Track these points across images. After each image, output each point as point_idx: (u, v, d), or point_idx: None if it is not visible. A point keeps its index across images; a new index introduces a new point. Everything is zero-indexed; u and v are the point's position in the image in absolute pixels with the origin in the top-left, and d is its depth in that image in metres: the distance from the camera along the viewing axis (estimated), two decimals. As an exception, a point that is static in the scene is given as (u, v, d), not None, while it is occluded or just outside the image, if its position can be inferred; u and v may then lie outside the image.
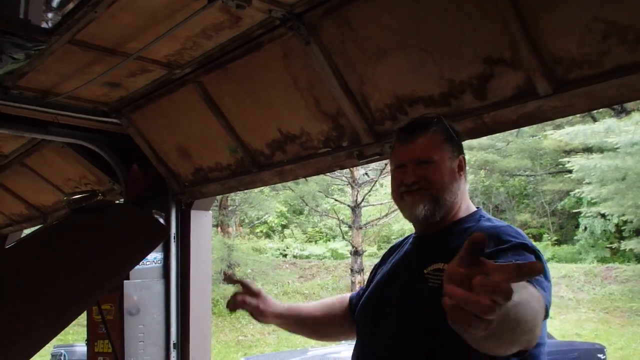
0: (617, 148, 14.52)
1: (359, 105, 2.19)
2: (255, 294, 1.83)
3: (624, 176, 14.88)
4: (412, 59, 1.94)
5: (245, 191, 13.56)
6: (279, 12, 2.05)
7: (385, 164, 16.54)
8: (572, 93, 1.62)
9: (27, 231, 5.32)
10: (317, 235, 24.99)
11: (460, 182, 1.59)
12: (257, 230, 24.72)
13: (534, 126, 16.61)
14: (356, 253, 18.28)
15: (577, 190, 17.27)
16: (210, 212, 3.51)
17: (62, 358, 11.64)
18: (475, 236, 0.81)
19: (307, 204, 21.27)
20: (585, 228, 19.52)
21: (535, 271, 0.78)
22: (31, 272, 1.93)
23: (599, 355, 9.70)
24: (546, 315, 1.23)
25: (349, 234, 19.02)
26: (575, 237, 20.59)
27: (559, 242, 21.32)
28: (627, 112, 15.14)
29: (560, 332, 13.51)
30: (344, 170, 16.77)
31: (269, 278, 19.83)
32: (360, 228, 18.67)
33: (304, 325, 1.95)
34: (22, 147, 3.79)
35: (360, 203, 18.34)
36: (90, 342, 3.27)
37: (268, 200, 22.40)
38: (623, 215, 16.04)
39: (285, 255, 22.96)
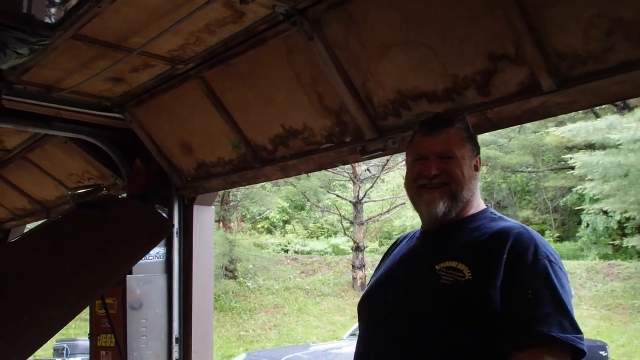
0: (619, 145, 14.46)
1: (362, 101, 2.19)
2: None
3: (626, 173, 14.83)
4: (416, 54, 1.94)
5: (247, 186, 13.56)
6: (283, 7, 2.05)
7: (387, 160, 16.54)
8: (577, 89, 1.62)
9: (29, 226, 5.34)
10: (319, 231, 24.97)
11: (477, 181, 1.60)
12: (259, 225, 24.71)
13: (536, 122, 16.52)
14: (358, 249, 18.30)
15: (579, 187, 17.21)
16: (213, 207, 3.52)
17: (65, 352, 11.67)
18: None
19: (308, 200, 21.28)
20: (588, 225, 19.45)
21: None
22: (35, 266, 1.94)
23: (600, 352, 9.67)
24: (578, 354, 1.27)
25: (351, 229, 19.03)
26: (577, 234, 20.52)
27: (561, 239, 21.26)
28: (630, 109, 15.11)
29: (562, 329, 13.44)
30: (346, 166, 16.78)
31: (270, 273, 19.83)
32: (362, 224, 18.69)
33: None
34: (26, 142, 3.80)
35: (362, 199, 18.35)
36: (92, 336, 3.28)
37: (270, 196, 22.38)
38: (625, 212, 15.98)
39: (286, 251, 22.95)
